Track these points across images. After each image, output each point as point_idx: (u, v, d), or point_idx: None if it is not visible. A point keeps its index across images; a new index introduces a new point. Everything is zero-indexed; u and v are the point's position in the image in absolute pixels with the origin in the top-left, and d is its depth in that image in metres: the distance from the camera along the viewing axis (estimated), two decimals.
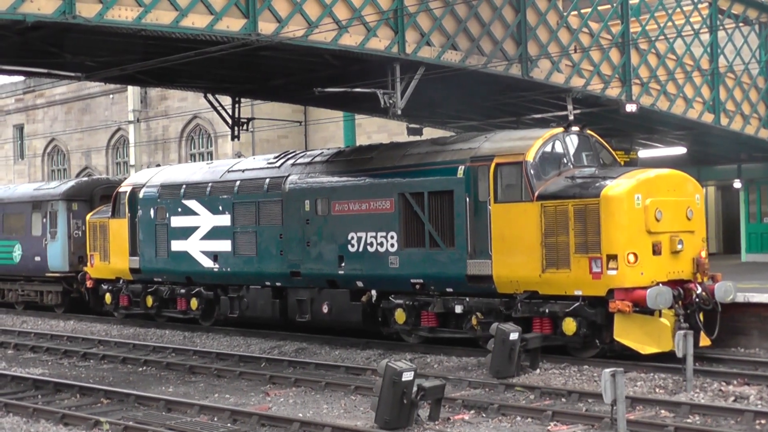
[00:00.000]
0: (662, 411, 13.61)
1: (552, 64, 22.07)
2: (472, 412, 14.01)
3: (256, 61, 20.38)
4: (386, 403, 12.50)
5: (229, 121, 25.46)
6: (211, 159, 42.95)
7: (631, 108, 23.26)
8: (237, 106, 25.45)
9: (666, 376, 15.95)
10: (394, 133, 36.96)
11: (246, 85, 24.18)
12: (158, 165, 30.15)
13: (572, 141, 18.70)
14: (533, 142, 18.24)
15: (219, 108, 25.13)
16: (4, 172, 56.90)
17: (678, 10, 25.61)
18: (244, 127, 25.81)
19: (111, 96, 49.43)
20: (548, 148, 18.28)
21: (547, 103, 24.53)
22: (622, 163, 27.64)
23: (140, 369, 19.50)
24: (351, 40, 18.43)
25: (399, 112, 19.51)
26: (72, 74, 22.46)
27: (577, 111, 23.34)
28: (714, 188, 36.75)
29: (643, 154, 29.45)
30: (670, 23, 25.18)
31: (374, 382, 13.28)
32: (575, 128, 18.99)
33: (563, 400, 14.65)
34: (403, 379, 12.45)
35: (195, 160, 44.70)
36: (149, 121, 46.91)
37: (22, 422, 14.29)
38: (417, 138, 24.56)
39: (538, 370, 16.84)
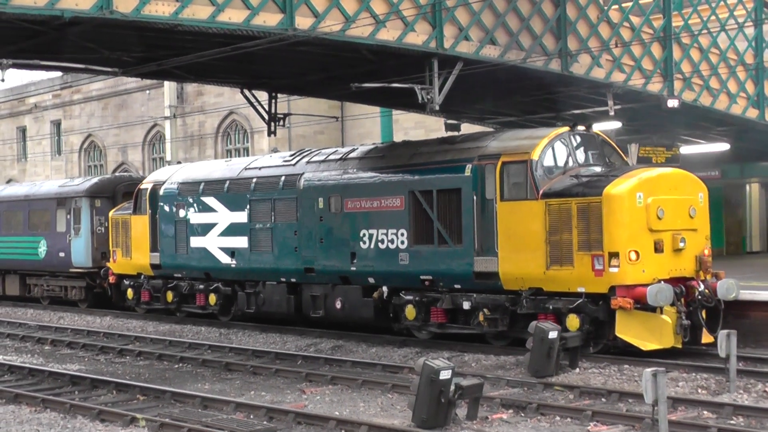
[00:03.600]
0: (705, 412, 13.49)
1: (592, 58, 21.93)
2: (511, 411, 13.97)
3: (292, 56, 20.42)
4: (423, 402, 12.48)
5: (266, 116, 25.53)
6: (248, 155, 43.13)
7: (673, 103, 23.08)
8: (273, 101, 25.51)
9: (708, 377, 15.81)
10: (431, 129, 36.89)
11: (282, 80, 24.24)
12: (179, 162, 30.53)
13: (578, 140, 19.04)
14: (539, 141, 18.59)
15: (255, 103, 25.20)
16: (42, 168, 57.45)
17: (722, 3, 25.35)
18: (281, 122, 25.87)
19: (147, 92, 49.74)
20: (554, 147, 18.64)
21: (587, 98, 24.38)
22: (663, 159, 27.58)
23: (176, 366, 19.61)
24: (388, 35, 18.42)
25: (437, 107, 19.51)
26: (109, 70, 22.64)
27: (618, 106, 23.19)
28: (758, 185, 36.37)
29: (685, 150, 29.22)
30: (713, 17, 24.93)
31: (411, 380, 13.27)
32: (581, 127, 19.31)
33: (603, 399, 14.58)
34: (441, 377, 12.42)
35: (231, 156, 44.89)
36: (185, 116, 47.17)
37: (59, 418, 14.43)
38: (454, 133, 24.51)
39: (577, 369, 16.78)
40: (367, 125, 41.38)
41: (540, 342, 16.26)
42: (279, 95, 25.97)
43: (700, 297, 17.72)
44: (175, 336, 24.03)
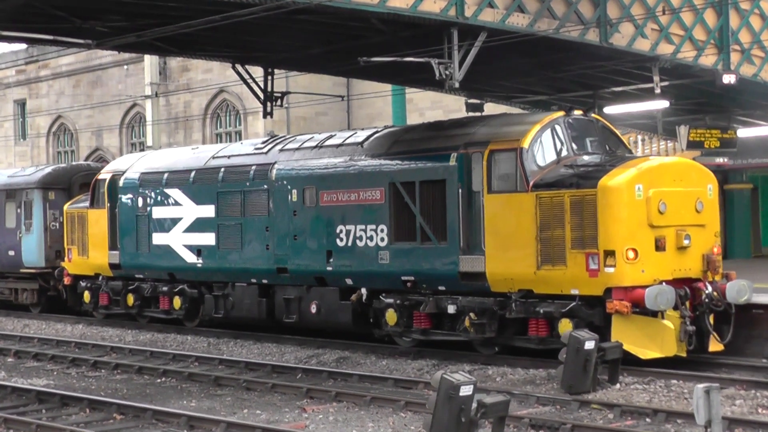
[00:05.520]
0: None
1: (636, 28, 21.89)
2: None
3: (291, 27, 20.44)
4: (441, 422, 12.49)
5: (261, 95, 25.59)
6: (240, 139, 43.24)
7: (728, 79, 23.04)
8: (270, 78, 25.57)
9: None
10: (450, 110, 36.91)
11: (280, 54, 24.26)
12: (142, 149, 30.88)
13: (574, 126, 19.38)
14: (530, 128, 18.97)
15: (249, 81, 25.25)
16: (4, 155, 57.62)
17: None
18: (278, 102, 25.95)
19: (125, 67, 49.85)
20: (547, 134, 18.99)
21: (630, 74, 24.36)
22: (717, 143, 27.56)
23: (158, 380, 19.68)
24: (401, 1, 18.42)
25: (456, 84, 19.55)
26: (81, 41, 22.69)
27: (665, 83, 23.15)
28: None
29: (743, 133, 29.15)
30: None
31: (427, 397, 13.29)
32: (578, 112, 19.71)
33: (648, 420, 14.57)
34: (461, 393, 12.42)
35: (221, 140, 45.01)
36: (169, 95, 47.27)
37: None
38: (476, 114, 24.57)
39: (618, 385, 16.78)
40: (377, 105, 41.40)
41: (575, 353, 16.25)
42: (276, 71, 26.00)
43: (707, 300, 18.01)
44: (158, 346, 24.11)
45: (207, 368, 20.53)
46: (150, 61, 46.58)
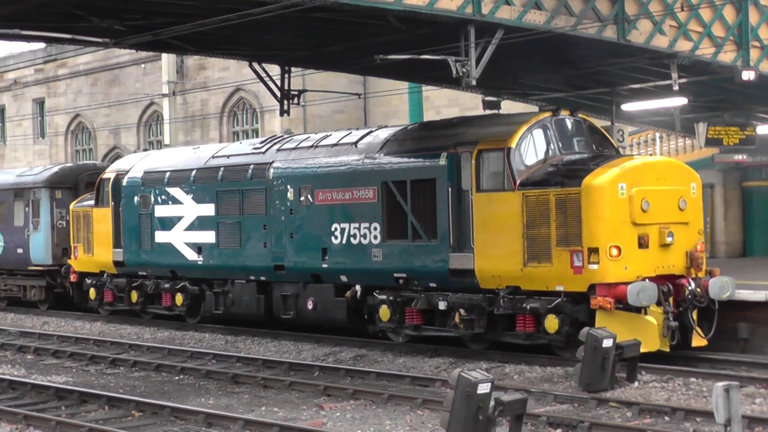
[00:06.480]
0: None
1: (654, 24, 21.82)
2: (559, 430, 13.99)
3: (308, 25, 20.46)
4: (458, 420, 12.49)
5: (278, 93, 25.62)
6: (257, 137, 43.31)
7: (748, 76, 22.96)
8: (287, 76, 25.59)
9: None
10: (466, 108, 36.86)
11: (297, 52, 24.29)
12: (145, 149, 31.28)
13: (561, 126, 19.83)
14: (518, 128, 19.43)
15: (266, 79, 25.28)
16: (23, 153, 57.80)
17: None
18: (295, 100, 25.97)
19: (143, 65, 49.95)
20: (534, 134, 19.47)
21: (648, 71, 24.28)
22: (737, 141, 27.51)
23: (176, 377, 19.75)
24: None
25: (473, 82, 19.54)
26: (99, 40, 22.77)
27: (684, 80, 23.05)
28: None
29: (762, 129, 29.02)
30: None
31: (445, 394, 13.30)
32: (565, 112, 20.10)
33: (666, 418, 14.57)
34: (479, 391, 12.43)
35: (238, 138, 45.07)
36: (186, 94, 47.37)
37: None
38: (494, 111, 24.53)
39: (636, 383, 16.78)
40: (394, 103, 41.39)
41: (592, 351, 16.24)
42: (293, 69, 26.01)
43: (690, 296, 18.41)
44: (175, 344, 24.20)
45: (224, 366, 20.60)
46: (167, 59, 46.68)
